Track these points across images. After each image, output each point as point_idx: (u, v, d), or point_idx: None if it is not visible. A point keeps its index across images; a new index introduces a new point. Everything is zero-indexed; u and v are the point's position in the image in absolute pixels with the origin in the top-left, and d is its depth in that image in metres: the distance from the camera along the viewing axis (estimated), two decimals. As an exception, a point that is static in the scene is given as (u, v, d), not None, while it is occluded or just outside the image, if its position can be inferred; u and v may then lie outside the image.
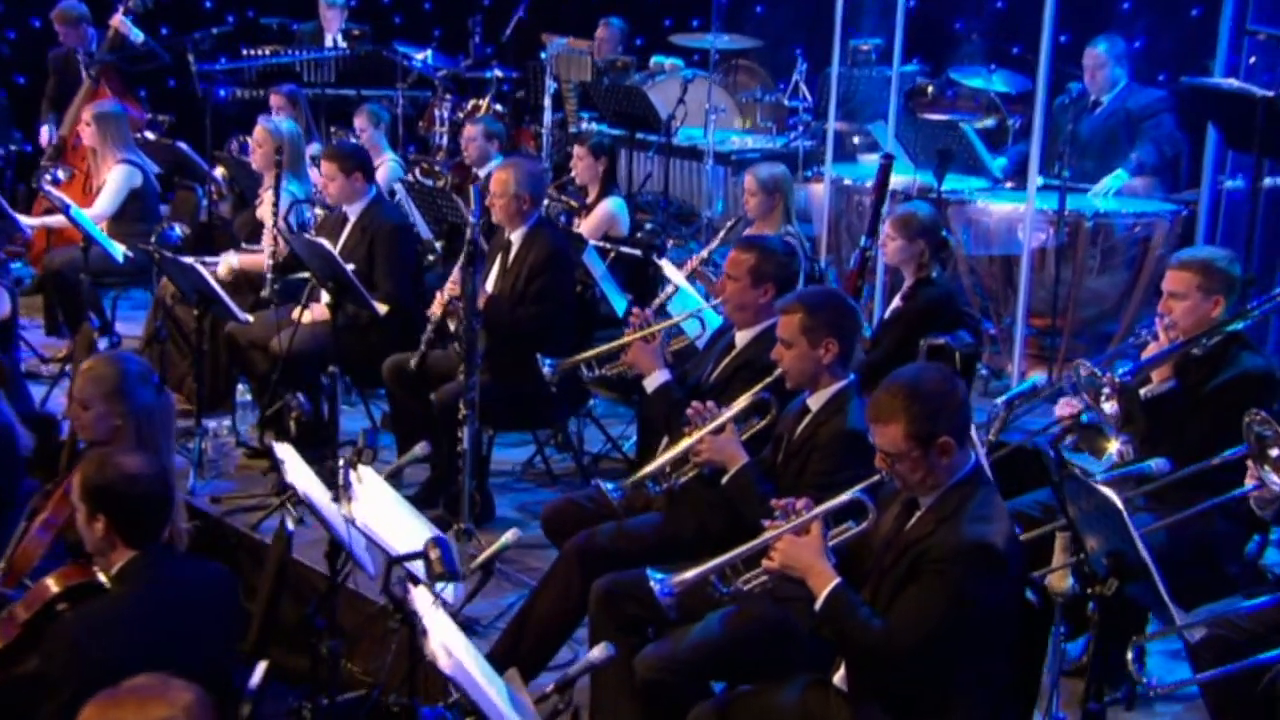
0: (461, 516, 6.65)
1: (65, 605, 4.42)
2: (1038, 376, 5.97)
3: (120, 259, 8.32)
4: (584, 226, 8.53)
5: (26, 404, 7.61)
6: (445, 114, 11.17)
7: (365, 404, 8.49)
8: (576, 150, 8.71)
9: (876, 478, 4.26)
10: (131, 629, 4.18)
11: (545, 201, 8.14)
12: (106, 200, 9.24)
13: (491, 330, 6.97)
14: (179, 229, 8.11)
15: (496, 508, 7.38)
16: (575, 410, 7.67)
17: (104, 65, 10.84)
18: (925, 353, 5.50)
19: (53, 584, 4.46)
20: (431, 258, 8.66)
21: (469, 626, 6.16)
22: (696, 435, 5.08)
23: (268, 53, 11.82)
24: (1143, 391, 5.65)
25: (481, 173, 9.34)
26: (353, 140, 9.55)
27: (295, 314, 7.39)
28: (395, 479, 6.25)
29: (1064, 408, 5.87)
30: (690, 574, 4.31)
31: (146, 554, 4.33)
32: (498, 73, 11.53)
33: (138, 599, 4.26)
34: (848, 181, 9.24)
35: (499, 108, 11.19)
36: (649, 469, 5.22)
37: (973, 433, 4.76)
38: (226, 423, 8.05)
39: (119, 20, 10.89)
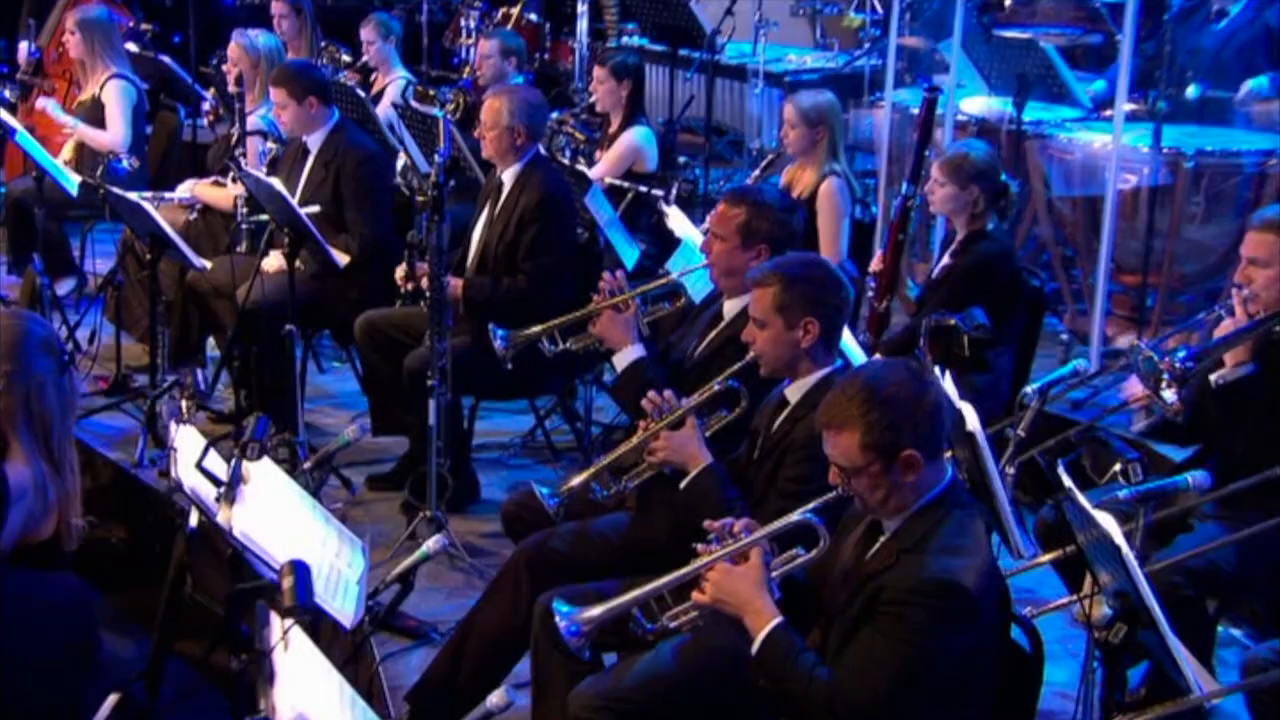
0: (428, 502, 6.43)
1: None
2: (1080, 360, 5.58)
3: (75, 191, 8.14)
4: (603, 161, 8.21)
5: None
6: (473, 24, 10.85)
7: (354, 363, 8.27)
8: (596, 72, 8.38)
9: (833, 494, 3.93)
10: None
11: (549, 133, 7.86)
12: (118, 124, 9.06)
13: (474, 313, 6.66)
14: (127, 161, 7.88)
15: (485, 488, 7.15)
16: (583, 374, 7.37)
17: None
18: (928, 334, 5.13)
19: None
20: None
21: (425, 634, 5.94)
22: (651, 430, 4.77)
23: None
24: (1214, 377, 5.28)
25: (497, 96, 9.06)
26: (346, 58, 9.29)
27: (257, 261, 7.16)
28: (322, 467, 6.04)
29: (1136, 385, 5.53)
30: (600, 609, 4.01)
31: None
32: (532, -24, 11.17)
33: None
34: (915, 110, 8.78)
35: (533, 17, 10.85)
36: (590, 472, 4.93)
37: (977, 433, 4.44)
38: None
39: None
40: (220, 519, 4.34)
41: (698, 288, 5.97)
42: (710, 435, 4.80)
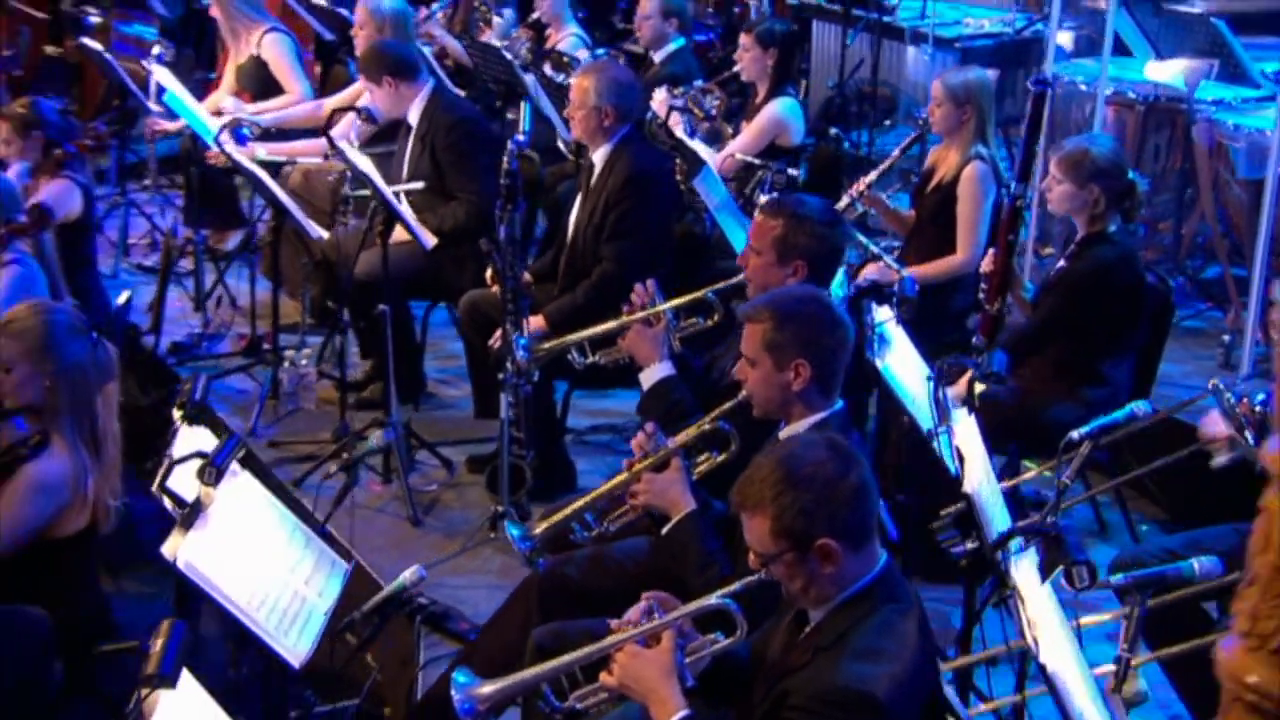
0: (500, 496, 6.16)
1: None
2: (1140, 402, 4.99)
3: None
4: (743, 134, 7.76)
5: (101, 313, 7.36)
6: (661, -27, 10.39)
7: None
8: (742, 39, 7.91)
9: (756, 577, 3.51)
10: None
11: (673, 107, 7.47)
12: (292, 79, 8.74)
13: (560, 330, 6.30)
14: (248, 128, 7.69)
15: (586, 475, 6.82)
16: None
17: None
18: (940, 374, 4.59)
19: None
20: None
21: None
22: (635, 470, 4.40)
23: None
24: None
25: (657, 57, 8.68)
26: (498, 19, 8.99)
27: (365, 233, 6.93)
28: (353, 470, 5.80)
29: (1212, 425, 4.98)
30: (495, 686, 3.65)
31: None
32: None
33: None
34: (1083, 85, 8.07)
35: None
36: (565, 512, 4.55)
37: (975, 496, 3.97)
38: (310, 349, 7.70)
39: None
40: (165, 549, 4.12)
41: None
42: (702, 478, 4.41)
